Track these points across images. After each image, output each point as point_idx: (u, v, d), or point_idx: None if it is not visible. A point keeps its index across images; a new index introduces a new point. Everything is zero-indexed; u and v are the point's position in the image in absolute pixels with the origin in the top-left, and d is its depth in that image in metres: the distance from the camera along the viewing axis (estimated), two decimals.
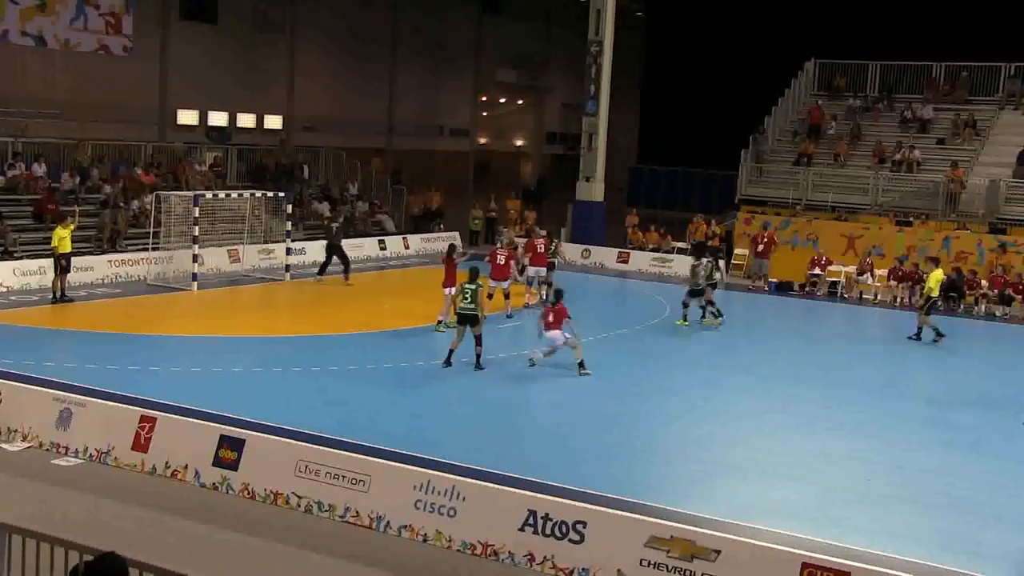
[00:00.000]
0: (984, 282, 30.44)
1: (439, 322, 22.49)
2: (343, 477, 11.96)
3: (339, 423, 15.01)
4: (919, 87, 39.40)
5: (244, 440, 12.74)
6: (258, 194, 31.15)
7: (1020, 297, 29.89)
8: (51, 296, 24.05)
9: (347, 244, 33.88)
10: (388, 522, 11.65)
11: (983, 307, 29.88)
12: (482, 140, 63.03)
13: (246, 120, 44.94)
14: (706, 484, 13.90)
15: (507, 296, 24.81)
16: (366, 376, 18.57)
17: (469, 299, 19.05)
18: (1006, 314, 29.34)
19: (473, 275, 19.71)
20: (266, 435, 13.15)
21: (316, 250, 33.08)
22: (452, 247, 23.60)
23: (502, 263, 24.51)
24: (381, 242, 36.12)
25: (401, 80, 53.70)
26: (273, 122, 46.01)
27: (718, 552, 10.40)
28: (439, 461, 13.07)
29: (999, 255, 31.53)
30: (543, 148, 67.30)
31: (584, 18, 39.05)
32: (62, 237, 23.92)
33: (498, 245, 27.75)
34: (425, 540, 11.41)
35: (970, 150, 36.12)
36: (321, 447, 12.64)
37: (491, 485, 11.78)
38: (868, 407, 18.46)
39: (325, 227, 30.85)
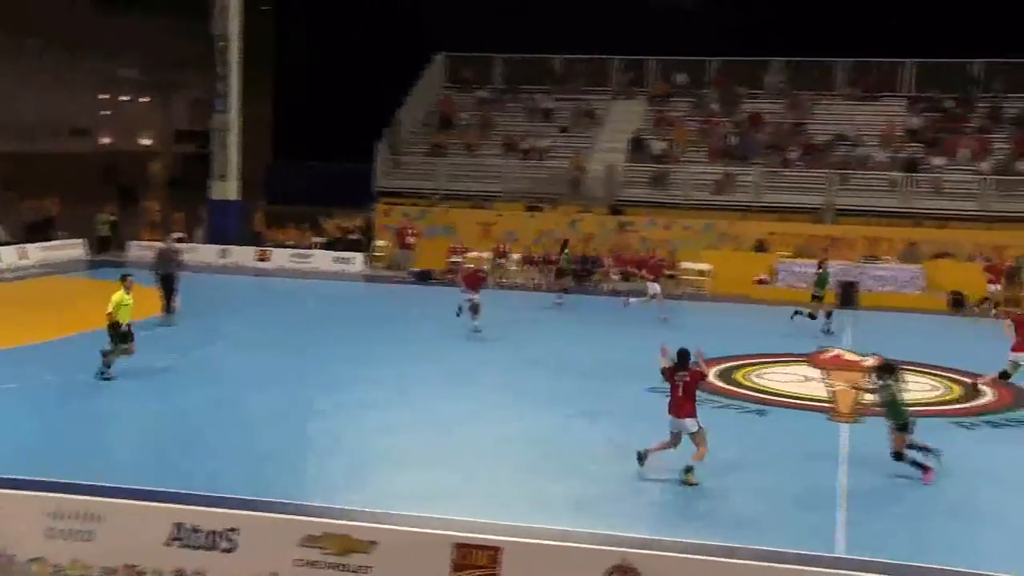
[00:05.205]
0: (608, 260, 32.63)
1: None
2: None
3: None
4: (541, 79, 41.42)
5: None
6: None
7: (639, 273, 32.19)
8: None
9: None
10: (14, 556, 10.75)
11: (608, 284, 32.01)
12: (107, 140, 59.89)
13: None
14: (361, 477, 13.88)
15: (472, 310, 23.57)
16: None
17: None
18: (628, 291, 31.49)
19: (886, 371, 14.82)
20: None
21: None
22: None
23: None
24: None
25: (14, 76, 49.82)
26: None
27: (374, 543, 10.46)
28: (70, 483, 12.20)
29: (619, 235, 33.83)
30: (174, 147, 64.88)
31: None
32: (123, 304, 18.71)
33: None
34: (58, 571, 10.64)
35: (589, 137, 38.46)
36: None
37: (131, 502, 11.20)
38: (509, 386, 19.15)
39: (159, 253, 25.35)
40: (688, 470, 13.64)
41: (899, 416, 14.23)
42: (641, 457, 13.95)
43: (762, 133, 37.65)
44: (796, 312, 25.52)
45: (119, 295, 18.69)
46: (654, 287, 26.64)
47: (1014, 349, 19.17)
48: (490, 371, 20.32)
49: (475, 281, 24.25)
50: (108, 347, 18.53)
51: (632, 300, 26.97)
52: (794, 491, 13.81)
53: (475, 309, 23.52)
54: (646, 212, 34.86)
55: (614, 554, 10.21)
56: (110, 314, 18.48)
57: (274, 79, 57.06)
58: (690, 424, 13.78)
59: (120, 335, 18.53)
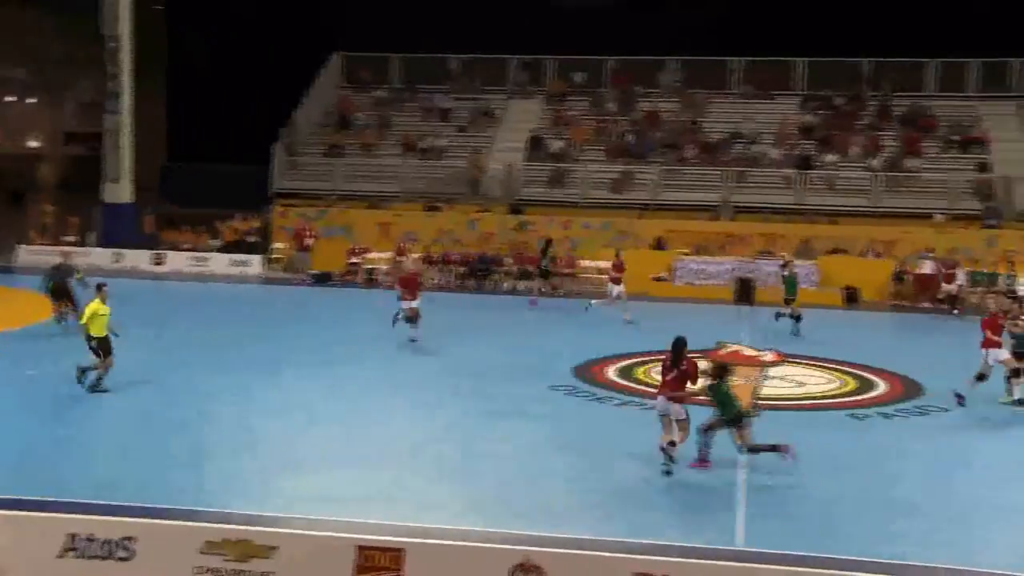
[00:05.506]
0: (508, 259, 32.74)
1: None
2: None
3: None
4: (439, 78, 41.34)
5: None
6: None
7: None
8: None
9: None
10: None
11: (507, 283, 32.13)
12: None
13: None
14: (261, 481, 13.67)
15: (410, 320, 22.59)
16: None
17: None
18: (528, 288, 31.57)
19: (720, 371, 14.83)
20: None
21: None
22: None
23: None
24: None
25: None
26: None
27: (275, 548, 10.32)
28: None
29: (519, 233, 33.96)
30: (63, 149, 63.16)
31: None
32: (98, 314, 17.84)
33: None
34: None
35: (487, 137, 38.51)
36: None
37: (22, 513, 10.88)
38: (414, 388, 19.04)
39: (58, 266, 24.23)
40: (672, 445, 14.05)
41: (730, 411, 14.46)
42: (670, 457, 14.15)
43: (659, 132, 38.14)
44: (779, 315, 25.36)
45: (94, 305, 17.94)
46: (617, 288, 26.48)
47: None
48: (397, 373, 20.17)
49: (414, 285, 23.06)
50: (90, 363, 17.76)
51: (594, 302, 26.78)
52: (695, 486, 13.98)
53: (413, 318, 22.48)
54: (545, 211, 35.03)
55: (517, 552, 10.23)
56: (84, 325, 17.78)
57: (167, 79, 55.87)
58: (680, 410, 14.27)
59: (94, 347, 17.70)
